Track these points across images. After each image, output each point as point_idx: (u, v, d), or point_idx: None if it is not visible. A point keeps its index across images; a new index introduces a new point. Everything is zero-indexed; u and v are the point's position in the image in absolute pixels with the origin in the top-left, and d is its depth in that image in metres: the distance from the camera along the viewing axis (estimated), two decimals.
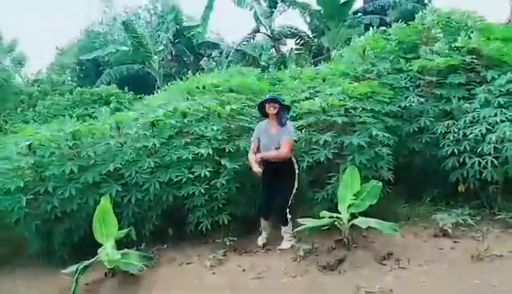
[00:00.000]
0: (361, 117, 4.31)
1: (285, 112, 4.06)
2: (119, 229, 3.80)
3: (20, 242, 4.46)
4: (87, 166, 4.17)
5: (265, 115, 4.07)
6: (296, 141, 4.21)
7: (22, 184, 3.89)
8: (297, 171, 3.96)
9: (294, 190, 3.93)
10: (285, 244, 3.97)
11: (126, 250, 3.72)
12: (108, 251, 3.49)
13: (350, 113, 4.37)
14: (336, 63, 6.10)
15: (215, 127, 4.41)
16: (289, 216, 3.93)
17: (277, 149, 3.86)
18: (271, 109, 3.92)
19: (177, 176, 4.12)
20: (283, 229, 4.02)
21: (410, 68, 5.03)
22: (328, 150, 4.17)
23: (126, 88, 11.05)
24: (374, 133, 4.16)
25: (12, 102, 10.94)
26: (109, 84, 12.53)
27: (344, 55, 6.15)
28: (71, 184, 4.00)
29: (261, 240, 4.15)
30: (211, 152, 4.19)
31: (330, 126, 4.37)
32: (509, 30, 5.27)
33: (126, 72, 15.59)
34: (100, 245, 3.61)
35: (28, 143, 4.04)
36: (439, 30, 5.28)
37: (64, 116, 8.30)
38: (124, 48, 15.30)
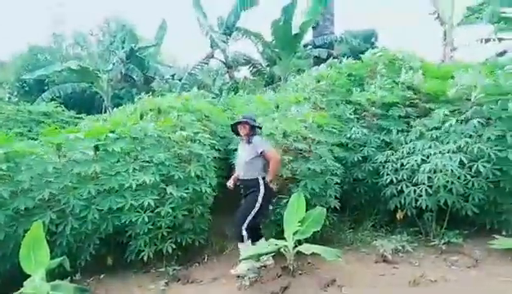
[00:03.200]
0: (316, 146, 4.45)
1: (256, 131, 4.07)
2: (52, 258, 3.49)
3: None
4: (20, 190, 3.83)
5: (238, 134, 4.13)
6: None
7: None
8: (262, 190, 3.83)
9: (256, 208, 3.79)
10: (240, 267, 3.81)
11: (58, 281, 3.42)
12: (36, 284, 3.17)
13: (306, 139, 4.48)
14: (289, 91, 6.35)
15: (164, 153, 4.30)
16: (244, 234, 3.78)
17: (244, 167, 3.95)
18: (242, 130, 4.03)
19: (118, 204, 3.89)
20: (239, 248, 3.87)
21: (358, 100, 5.34)
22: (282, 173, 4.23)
23: (69, 107, 10.49)
24: (327, 162, 4.31)
25: None
26: (52, 100, 11.82)
27: (298, 83, 6.42)
28: (0, 210, 3.64)
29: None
30: (157, 179, 4.05)
31: (286, 150, 4.45)
32: (443, 69, 5.81)
33: (71, 90, 14.89)
34: (28, 276, 3.28)
35: None
36: (384, 67, 5.71)
37: None
38: (71, 66, 14.65)
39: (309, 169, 4.24)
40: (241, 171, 4.00)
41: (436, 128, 4.66)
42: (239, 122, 4.07)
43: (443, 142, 4.41)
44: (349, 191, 4.95)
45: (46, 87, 15.59)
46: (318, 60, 12.48)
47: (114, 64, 14.56)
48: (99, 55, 15.40)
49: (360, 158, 4.89)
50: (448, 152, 4.19)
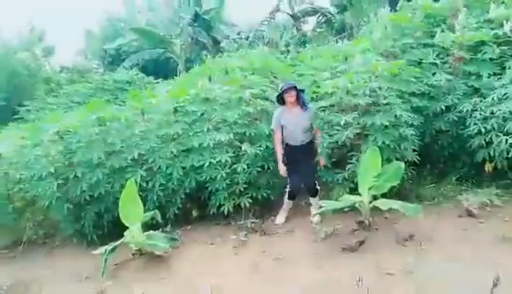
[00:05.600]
0: (386, 97, 4.20)
1: (303, 95, 4.13)
2: (145, 211, 3.93)
3: (55, 225, 4.73)
4: (113, 151, 4.30)
5: (283, 103, 4.11)
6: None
7: (53, 170, 4.07)
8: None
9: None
10: (316, 217, 4.10)
11: (151, 232, 3.86)
12: (134, 233, 3.63)
13: (375, 92, 4.26)
14: (359, 40, 5.94)
15: (236, 112, 4.42)
16: (318, 188, 4.19)
17: (305, 132, 4.09)
18: (290, 98, 4.00)
19: (199, 161, 4.20)
20: (313, 201, 4.23)
21: (438, 43, 4.84)
22: (350, 131, 4.12)
23: (147, 73, 11.13)
24: (398, 113, 4.06)
25: (42, 90, 11.24)
26: (131, 68, 12.66)
27: (369, 31, 5.99)
28: (98, 169, 4.15)
29: (279, 220, 4.29)
30: (232, 137, 4.24)
31: (353, 106, 4.28)
32: None
33: (148, 56, 15.76)
34: (127, 227, 3.75)
35: (56, 130, 4.20)
36: (468, 3, 5.04)
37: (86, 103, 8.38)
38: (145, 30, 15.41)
39: (378, 122, 4.00)
40: (301, 136, 4.09)
41: None
42: (285, 91, 3.98)
43: None
44: (430, 144, 4.64)
45: (124, 56, 16.71)
46: (394, 2, 11.41)
47: (181, 28, 14.96)
48: (169, 20, 15.90)
49: (443, 108, 4.49)
50: None
